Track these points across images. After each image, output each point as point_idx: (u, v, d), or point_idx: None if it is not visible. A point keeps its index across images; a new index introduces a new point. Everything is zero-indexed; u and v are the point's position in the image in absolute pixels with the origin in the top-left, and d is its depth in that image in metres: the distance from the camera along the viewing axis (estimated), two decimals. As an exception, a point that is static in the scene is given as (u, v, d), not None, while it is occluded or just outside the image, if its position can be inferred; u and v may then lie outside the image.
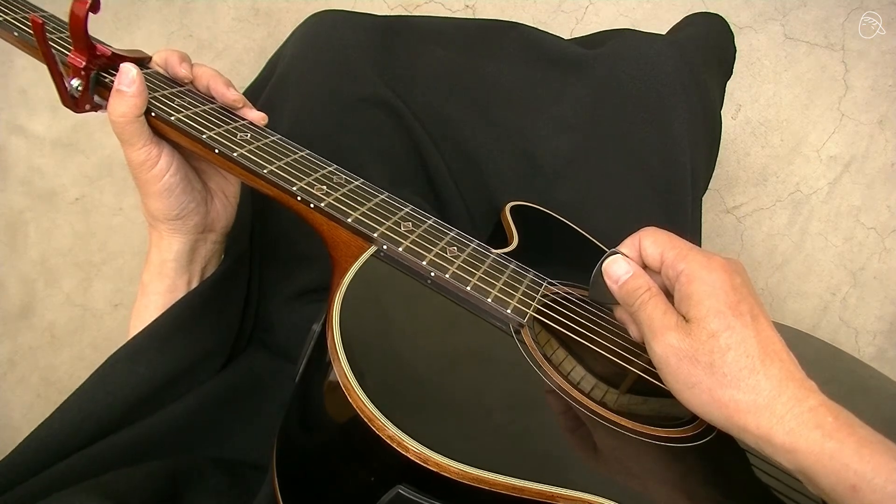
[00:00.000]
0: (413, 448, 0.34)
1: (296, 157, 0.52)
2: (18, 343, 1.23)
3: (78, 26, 0.46)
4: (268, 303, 0.66)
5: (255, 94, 0.74)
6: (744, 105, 1.23)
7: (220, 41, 1.27)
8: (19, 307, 1.24)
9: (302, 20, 0.73)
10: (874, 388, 0.57)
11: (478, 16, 1.26)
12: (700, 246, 0.74)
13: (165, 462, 0.48)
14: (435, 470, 0.34)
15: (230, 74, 1.37)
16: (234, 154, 0.49)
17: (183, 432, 0.52)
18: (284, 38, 0.75)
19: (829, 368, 0.59)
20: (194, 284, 0.57)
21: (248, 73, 1.27)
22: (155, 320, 0.52)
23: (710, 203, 1.25)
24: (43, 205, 1.24)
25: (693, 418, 0.45)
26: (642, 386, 0.49)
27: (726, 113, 1.22)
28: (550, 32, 0.78)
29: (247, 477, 0.51)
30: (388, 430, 0.34)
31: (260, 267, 0.67)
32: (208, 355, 0.56)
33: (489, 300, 0.46)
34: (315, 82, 0.69)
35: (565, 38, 0.81)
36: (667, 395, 0.43)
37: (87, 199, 1.25)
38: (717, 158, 0.84)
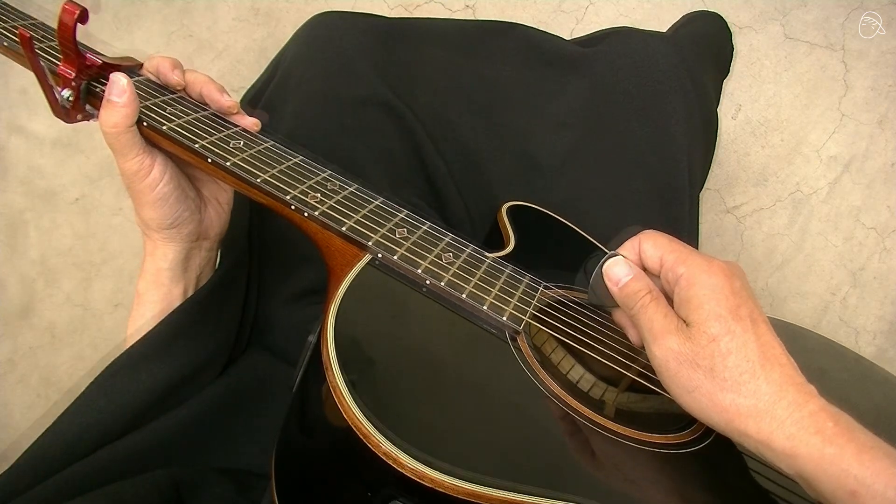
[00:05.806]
0: (408, 465, 0.34)
1: (289, 164, 0.51)
2: (18, 343, 1.24)
3: (67, 37, 0.45)
4: (268, 304, 0.66)
5: (257, 95, 0.73)
6: (744, 105, 1.22)
7: (220, 41, 1.27)
8: (19, 307, 1.24)
9: (302, 20, 0.73)
10: (877, 380, 0.57)
11: (478, 16, 1.25)
12: (697, 244, 0.74)
13: (171, 471, 0.47)
14: (430, 486, 0.34)
15: (230, 74, 1.37)
16: (227, 163, 0.48)
17: (186, 438, 0.52)
18: (285, 38, 0.75)
19: (829, 362, 0.58)
20: (190, 292, 0.56)
21: (248, 73, 1.27)
22: (153, 328, 0.52)
23: (710, 203, 1.25)
24: (43, 205, 1.24)
25: (692, 421, 0.45)
26: (640, 390, 0.49)
27: (726, 113, 1.22)
28: (550, 32, 0.78)
29: (252, 485, 0.51)
30: (384, 447, 0.34)
31: (259, 268, 0.66)
32: (209, 360, 0.56)
33: (485, 307, 0.46)
34: (316, 84, 0.68)
35: (565, 38, 0.80)
36: (665, 398, 0.42)
37: (87, 199, 1.25)
38: (718, 158, 0.84)
